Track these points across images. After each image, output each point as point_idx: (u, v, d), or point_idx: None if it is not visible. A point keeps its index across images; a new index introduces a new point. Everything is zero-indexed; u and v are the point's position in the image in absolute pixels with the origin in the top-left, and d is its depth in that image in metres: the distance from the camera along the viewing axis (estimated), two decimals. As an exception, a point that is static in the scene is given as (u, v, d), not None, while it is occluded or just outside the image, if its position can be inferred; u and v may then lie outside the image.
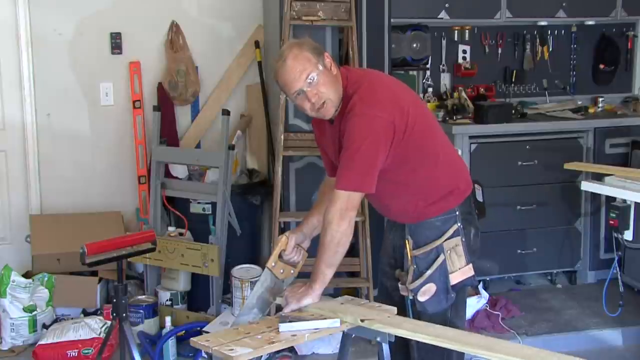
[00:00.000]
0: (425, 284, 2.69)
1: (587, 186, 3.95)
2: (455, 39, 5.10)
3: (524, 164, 4.71)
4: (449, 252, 2.70)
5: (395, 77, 3.22)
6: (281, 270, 2.72)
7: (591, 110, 5.20)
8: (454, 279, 2.71)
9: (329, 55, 2.64)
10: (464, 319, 2.93)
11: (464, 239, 2.72)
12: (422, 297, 2.70)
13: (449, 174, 2.75)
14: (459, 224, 2.71)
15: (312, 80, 2.56)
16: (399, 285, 2.76)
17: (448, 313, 2.73)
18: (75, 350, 3.83)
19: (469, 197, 2.78)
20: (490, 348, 2.23)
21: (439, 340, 2.33)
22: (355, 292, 4.22)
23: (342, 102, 2.62)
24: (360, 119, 2.52)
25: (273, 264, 2.71)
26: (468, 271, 2.73)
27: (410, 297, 2.72)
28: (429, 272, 2.69)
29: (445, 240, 2.70)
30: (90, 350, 3.83)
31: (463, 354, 2.77)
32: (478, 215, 2.85)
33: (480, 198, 2.94)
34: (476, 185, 2.89)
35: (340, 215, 2.51)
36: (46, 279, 4.16)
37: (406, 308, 2.75)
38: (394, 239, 2.85)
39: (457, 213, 2.72)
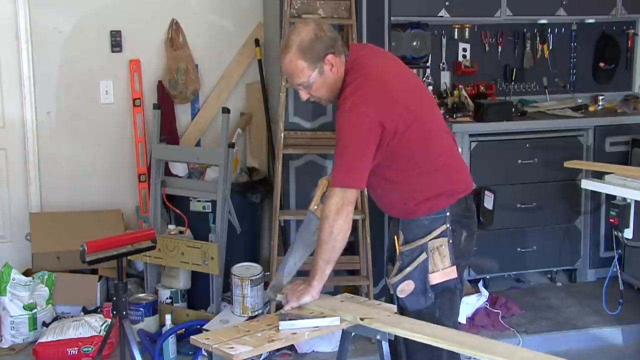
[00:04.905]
0: (403, 280, 2.71)
1: (587, 184, 3.96)
2: (456, 37, 5.10)
3: (524, 162, 4.71)
4: (432, 251, 2.70)
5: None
6: None
7: (591, 109, 5.20)
8: (434, 279, 2.71)
9: (334, 57, 2.62)
10: (453, 320, 2.84)
11: (451, 241, 2.71)
12: (400, 294, 2.73)
13: (443, 174, 2.73)
14: (447, 225, 2.71)
15: (305, 85, 2.65)
16: (386, 279, 2.79)
17: (436, 312, 2.72)
18: (75, 348, 3.83)
19: (464, 199, 2.76)
20: (488, 350, 2.23)
21: (435, 340, 2.32)
22: (355, 290, 4.22)
23: (342, 85, 2.66)
24: (348, 114, 2.56)
25: (315, 207, 2.76)
26: (450, 273, 2.72)
27: (392, 292, 2.75)
28: (408, 269, 2.71)
29: (431, 239, 2.70)
30: (90, 349, 3.83)
31: (455, 354, 2.75)
32: (483, 223, 2.84)
33: (490, 206, 2.90)
34: (487, 192, 2.87)
35: (337, 211, 2.55)
36: (46, 276, 4.16)
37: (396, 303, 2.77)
38: (390, 233, 2.88)
39: (448, 214, 2.71)
